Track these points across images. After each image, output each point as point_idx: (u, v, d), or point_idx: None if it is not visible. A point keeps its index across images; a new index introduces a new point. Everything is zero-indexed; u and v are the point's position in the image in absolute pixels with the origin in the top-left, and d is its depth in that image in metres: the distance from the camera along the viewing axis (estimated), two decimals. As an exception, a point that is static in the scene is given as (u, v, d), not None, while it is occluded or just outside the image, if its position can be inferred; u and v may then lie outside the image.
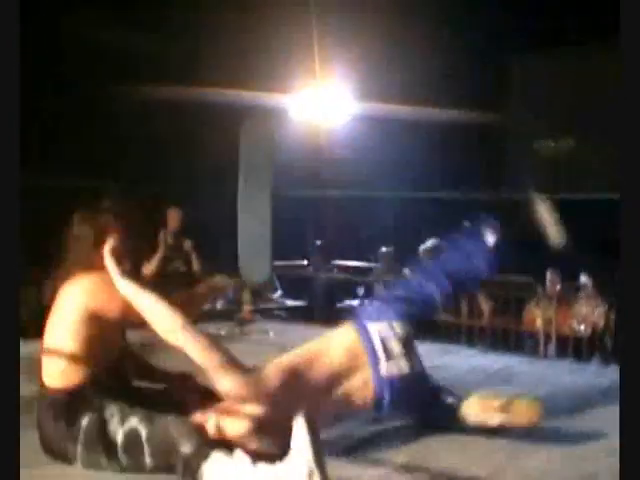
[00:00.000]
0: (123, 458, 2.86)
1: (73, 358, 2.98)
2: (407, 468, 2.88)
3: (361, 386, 3.04)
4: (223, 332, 5.70)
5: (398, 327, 3.14)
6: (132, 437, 2.85)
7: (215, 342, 2.96)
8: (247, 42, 8.38)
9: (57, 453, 2.97)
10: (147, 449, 2.82)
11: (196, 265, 7.01)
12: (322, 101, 9.31)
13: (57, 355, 3.00)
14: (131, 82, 7.76)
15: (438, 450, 3.08)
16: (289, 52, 8.52)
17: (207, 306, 7.83)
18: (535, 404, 3.14)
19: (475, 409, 3.14)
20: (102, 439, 2.88)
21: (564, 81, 10.28)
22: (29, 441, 2.93)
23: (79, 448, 2.90)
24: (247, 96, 8.19)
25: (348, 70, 9.19)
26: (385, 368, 3.03)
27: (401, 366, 3.06)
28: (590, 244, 9.33)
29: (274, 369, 2.99)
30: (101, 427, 2.89)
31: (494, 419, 3.10)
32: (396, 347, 3.08)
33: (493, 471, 2.88)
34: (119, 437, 2.86)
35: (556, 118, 10.32)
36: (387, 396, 3.02)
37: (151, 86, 7.60)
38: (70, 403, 2.95)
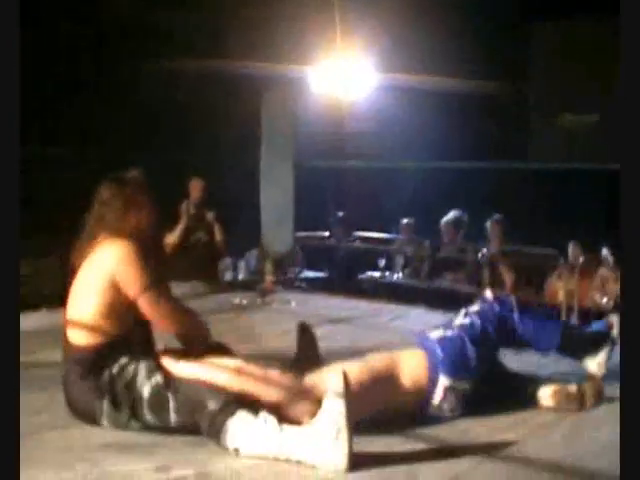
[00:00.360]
0: (148, 414, 2.90)
1: (99, 319, 3.01)
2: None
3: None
4: (245, 302, 5.71)
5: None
6: (158, 392, 2.89)
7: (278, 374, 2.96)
8: (268, 13, 8.36)
9: (83, 413, 3.01)
10: (172, 404, 2.86)
11: (219, 236, 7.05)
12: (343, 72, 9.28)
13: (83, 315, 3.03)
14: (155, 56, 7.78)
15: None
16: (310, 23, 8.49)
17: (229, 277, 7.92)
18: (600, 385, 3.28)
19: (553, 398, 3.23)
20: (128, 394, 2.92)
21: (587, 51, 10.20)
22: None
23: (105, 404, 2.94)
24: (268, 68, 8.18)
25: (369, 41, 9.14)
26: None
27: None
28: (612, 216, 9.32)
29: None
30: (128, 382, 2.93)
31: (571, 406, 3.21)
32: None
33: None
34: (145, 391, 2.90)
35: (578, 89, 10.25)
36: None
37: (174, 59, 7.61)
38: (97, 359, 2.99)
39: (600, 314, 7.23)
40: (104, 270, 3.01)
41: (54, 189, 7.66)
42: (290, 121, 8.35)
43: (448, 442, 2.90)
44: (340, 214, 9.39)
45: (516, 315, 3.32)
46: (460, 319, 3.29)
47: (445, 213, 8.38)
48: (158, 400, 2.88)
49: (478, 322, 3.25)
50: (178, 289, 6.49)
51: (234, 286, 6.93)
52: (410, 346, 3.25)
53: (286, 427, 2.69)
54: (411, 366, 3.10)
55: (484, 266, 8.02)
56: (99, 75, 7.90)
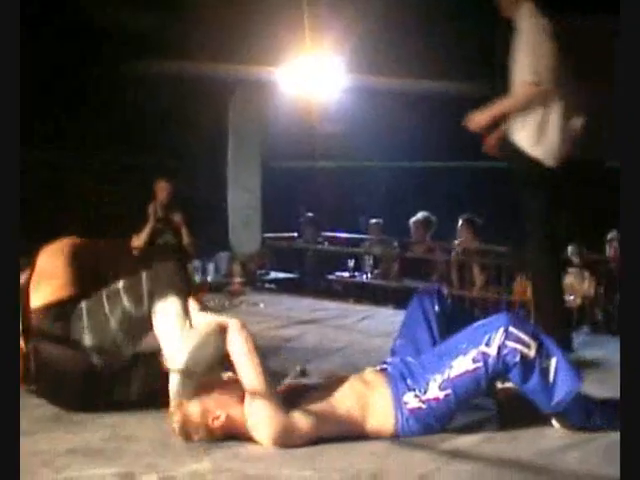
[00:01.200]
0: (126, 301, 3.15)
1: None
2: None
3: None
4: (213, 304, 5.70)
5: None
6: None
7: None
8: (236, 13, 8.32)
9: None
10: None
11: (186, 238, 7.02)
12: (313, 73, 9.26)
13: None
14: (120, 57, 7.73)
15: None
16: (279, 23, 8.47)
17: (197, 279, 7.90)
18: None
19: None
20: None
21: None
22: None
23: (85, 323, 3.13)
24: (236, 69, 8.15)
25: (339, 41, 9.14)
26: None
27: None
28: (578, 214, 9.38)
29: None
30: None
31: None
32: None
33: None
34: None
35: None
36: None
37: (140, 60, 7.56)
38: (66, 307, 3.17)
39: (567, 312, 7.31)
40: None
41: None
42: (258, 122, 8.35)
43: (415, 442, 2.91)
44: (309, 214, 9.40)
45: (517, 374, 2.89)
46: (435, 390, 2.90)
47: (414, 213, 8.42)
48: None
49: (457, 396, 2.90)
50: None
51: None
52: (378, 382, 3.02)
53: None
54: (377, 420, 2.93)
55: (454, 265, 8.07)
56: (64, 77, 7.85)
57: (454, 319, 3.32)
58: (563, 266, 7.59)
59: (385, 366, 3.14)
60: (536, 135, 4.03)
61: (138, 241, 6.89)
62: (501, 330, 2.87)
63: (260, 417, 2.78)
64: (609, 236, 7.65)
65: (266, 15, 8.33)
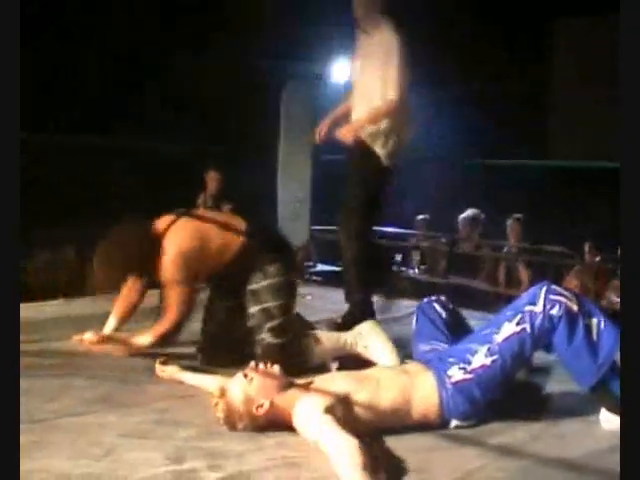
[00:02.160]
0: None
1: None
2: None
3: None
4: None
5: None
6: None
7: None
8: (288, 8, 8.35)
9: None
10: None
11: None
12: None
13: None
14: (180, 48, 7.79)
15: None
16: (329, 19, 8.48)
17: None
18: None
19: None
20: None
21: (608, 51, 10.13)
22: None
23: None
24: (288, 62, 8.18)
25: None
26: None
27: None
28: (595, 214, 9.28)
29: None
30: None
31: None
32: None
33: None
34: None
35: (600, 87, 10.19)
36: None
37: (196, 51, 7.62)
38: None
39: (615, 313, 7.23)
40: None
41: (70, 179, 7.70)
42: (309, 116, 8.35)
43: (462, 437, 2.90)
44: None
45: (562, 330, 2.91)
46: (481, 358, 2.93)
47: (462, 210, 8.38)
48: None
49: (504, 360, 2.91)
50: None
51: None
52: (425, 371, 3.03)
53: None
54: (423, 404, 2.93)
55: (502, 263, 8.02)
56: (119, 62, 7.93)
57: (464, 325, 3.40)
58: (614, 267, 7.55)
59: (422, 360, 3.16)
60: (383, 139, 4.59)
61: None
62: (544, 287, 2.94)
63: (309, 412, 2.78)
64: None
65: (316, 10, 8.35)
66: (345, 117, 4.80)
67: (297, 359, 3.58)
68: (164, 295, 3.78)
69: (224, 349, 3.79)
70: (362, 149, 4.61)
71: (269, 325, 3.71)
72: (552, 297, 2.90)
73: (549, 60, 10.85)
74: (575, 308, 2.90)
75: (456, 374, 2.93)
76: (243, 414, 2.84)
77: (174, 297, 3.72)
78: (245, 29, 7.55)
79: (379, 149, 4.62)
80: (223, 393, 2.87)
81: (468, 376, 2.92)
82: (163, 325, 3.76)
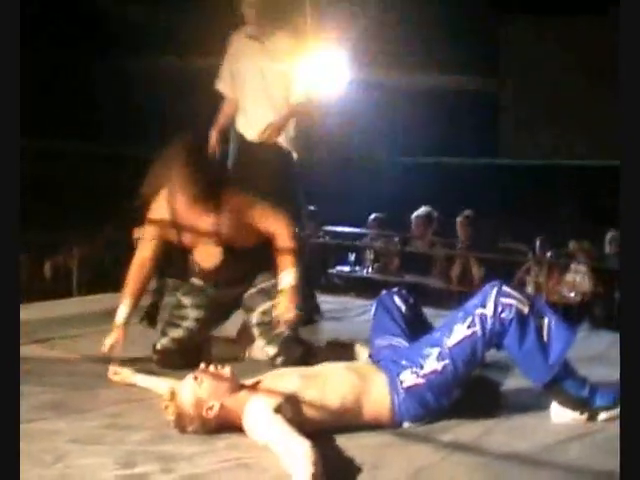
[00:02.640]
0: None
1: None
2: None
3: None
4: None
5: None
6: None
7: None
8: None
9: None
10: None
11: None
12: (317, 69, 9.26)
13: None
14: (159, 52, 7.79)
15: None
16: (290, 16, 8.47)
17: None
18: None
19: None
20: None
21: (556, 51, 10.25)
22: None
23: None
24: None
25: (341, 36, 9.13)
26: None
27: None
28: (580, 211, 9.40)
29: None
30: None
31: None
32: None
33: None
34: None
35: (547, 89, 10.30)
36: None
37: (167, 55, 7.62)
38: None
39: (568, 308, 7.33)
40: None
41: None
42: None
43: (415, 434, 2.91)
44: (311, 208, 9.39)
45: (513, 333, 2.91)
46: (433, 362, 2.91)
47: (415, 208, 8.42)
48: None
49: (456, 364, 2.90)
50: (151, 284, 6.55)
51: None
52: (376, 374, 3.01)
53: None
54: (375, 406, 2.92)
55: (455, 261, 8.08)
56: (108, 67, 7.90)
57: (423, 320, 3.40)
58: (567, 262, 7.64)
59: (375, 359, 3.15)
60: (295, 139, 4.86)
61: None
62: (495, 289, 2.93)
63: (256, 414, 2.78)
64: (610, 235, 7.64)
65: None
66: (230, 124, 5.00)
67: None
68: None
69: (189, 353, 3.76)
70: (277, 151, 4.78)
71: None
72: (503, 300, 2.90)
73: (502, 56, 10.95)
74: (526, 310, 2.91)
75: (408, 378, 2.92)
76: (194, 416, 2.82)
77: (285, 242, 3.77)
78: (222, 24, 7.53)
79: (292, 148, 4.84)
80: (173, 396, 2.85)
81: (420, 381, 2.92)
82: (292, 289, 3.69)
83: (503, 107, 11.00)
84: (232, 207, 3.67)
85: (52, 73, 7.78)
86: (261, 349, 3.79)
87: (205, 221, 3.66)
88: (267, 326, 3.74)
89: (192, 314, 3.84)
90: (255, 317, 3.79)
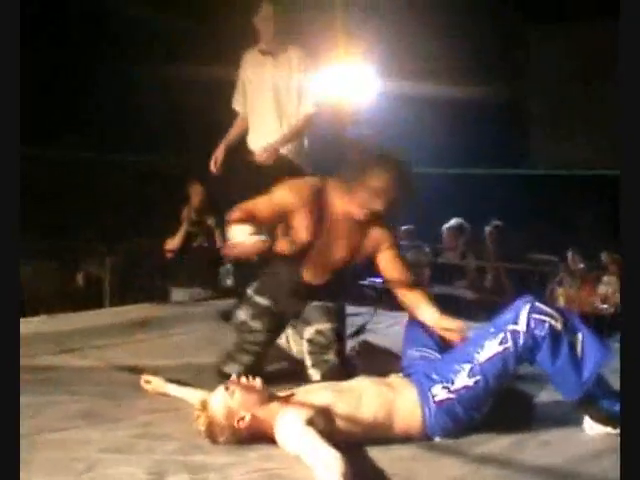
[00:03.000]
0: None
1: None
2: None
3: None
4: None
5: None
6: None
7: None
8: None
9: None
10: None
11: (219, 241, 7.01)
12: (345, 79, 9.28)
13: None
14: (154, 60, 7.77)
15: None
16: (311, 29, 8.49)
17: (230, 283, 7.91)
18: None
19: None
20: None
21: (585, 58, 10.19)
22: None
23: None
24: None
25: (370, 47, 9.15)
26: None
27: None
28: (611, 222, 9.32)
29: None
30: None
31: None
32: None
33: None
34: None
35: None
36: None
37: (176, 64, 7.61)
38: None
39: (600, 319, 7.26)
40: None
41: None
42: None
43: (446, 446, 2.90)
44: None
45: (546, 349, 2.89)
46: (464, 378, 2.91)
47: (446, 220, 8.39)
48: None
49: (487, 380, 2.90)
50: (179, 295, 6.59)
51: (234, 292, 6.93)
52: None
53: None
54: (405, 420, 2.92)
55: (486, 272, 8.04)
56: (97, 77, 7.92)
57: None
58: (598, 274, 7.58)
59: (407, 372, 3.15)
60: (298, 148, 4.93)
61: (172, 244, 6.93)
62: (527, 306, 2.91)
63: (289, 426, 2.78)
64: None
65: (298, 21, 8.36)
66: (239, 141, 5.07)
67: None
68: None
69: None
70: (287, 165, 4.80)
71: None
72: (535, 316, 2.88)
73: (530, 65, 10.89)
74: (559, 327, 2.89)
75: (439, 393, 2.92)
76: (225, 427, 2.83)
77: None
78: (221, 39, 7.54)
79: (305, 163, 4.89)
80: (205, 406, 2.86)
81: (451, 395, 2.91)
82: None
83: (533, 116, 10.94)
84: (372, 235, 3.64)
85: (54, 76, 7.80)
86: (307, 367, 3.71)
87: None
88: (317, 346, 3.67)
89: (262, 338, 3.71)
90: (309, 332, 3.70)
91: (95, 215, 7.80)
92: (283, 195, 3.53)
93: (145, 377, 3.52)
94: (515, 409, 3.18)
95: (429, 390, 2.93)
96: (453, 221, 8.33)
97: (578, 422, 3.06)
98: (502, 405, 3.05)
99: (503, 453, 2.85)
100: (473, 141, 9.77)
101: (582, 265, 7.66)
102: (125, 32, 7.80)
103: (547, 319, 2.88)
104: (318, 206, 3.53)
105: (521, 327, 2.88)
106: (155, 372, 3.61)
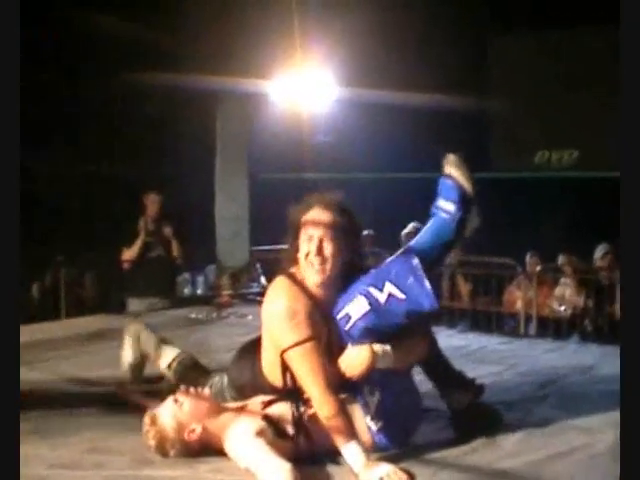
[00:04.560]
0: None
1: None
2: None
3: None
4: (201, 316, 5.67)
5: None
6: None
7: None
8: (226, 26, 8.32)
9: None
10: None
11: (176, 251, 6.95)
12: (303, 85, 9.27)
13: None
14: (107, 68, 7.71)
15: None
16: (269, 36, 8.47)
17: (188, 292, 7.86)
18: None
19: None
20: None
21: (546, 65, 10.29)
22: None
23: None
24: (225, 81, 8.13)
25: (329, 54, 9.15)
26: None
27: None
28: (569, 224, 9.39)
29: None
30: None
31: None
32: None
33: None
34: None
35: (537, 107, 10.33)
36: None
37: (127, 71, 7.54)
38: None
39: (558, 321, 7.31)
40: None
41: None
42: (245, 133, 8.33)
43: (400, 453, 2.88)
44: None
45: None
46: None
47: (404, 225, 8.39)
48: None
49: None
50: (136, 305, 6.53)
51: (192, 301, 6.89)
52: None
53: None
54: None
55: (444, 276, 8.05)
56: (48, 87, 7.84)
57: None
58: (556, 276, 7.63)
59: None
60: None
61: (129, 254, 6.85)
62: None
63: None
64: (600, 248, 7.59)
65: (256, 28, 8.34)
66: None
67: None
68: None
69: None
70: None
71: None
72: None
73: (492, 71, 10.98)
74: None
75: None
76: (175, 440, 2.78)
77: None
78: (180, 44, 7.49)
79: None
80: (154, 420, 2.81)
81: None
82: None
83: (493, 122, 11.02)
84: None
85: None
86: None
87: None
88: None
89: None
90: None
91: (50, 226, 7.70)
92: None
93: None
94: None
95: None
96: (410, 226, 8.33)
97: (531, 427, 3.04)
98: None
99: (460, 457, 2.84)
100: (433, 148, 9.80)
101: (539, 267, 7.70)
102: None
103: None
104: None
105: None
106: (105, 384, 3.55)
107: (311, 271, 2.93)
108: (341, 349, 2.91)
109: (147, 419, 2.83)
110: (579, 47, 9.97)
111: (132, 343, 3.80)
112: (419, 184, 9.53)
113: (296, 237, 3.01)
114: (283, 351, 2.85)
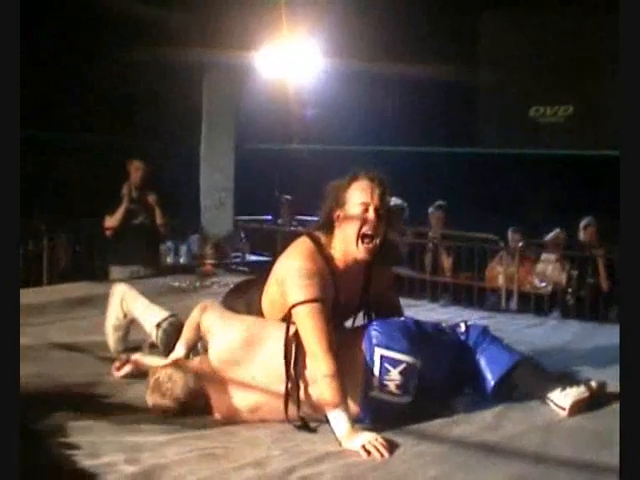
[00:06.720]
0: None
1: None
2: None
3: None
4: (184, 285, 5.68)
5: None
6: None
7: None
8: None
9: None
10: None
11: (160, 219, 6.93)
12: (290, 56, 9.24)
13: None
14: (96, 42, 7.67)
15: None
16: (255, 6, 8.42)
17: (171, 260, 7.86)
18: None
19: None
20: None
21: (536, 41, 10.28)
22: None
23: None
24: (212, 52, 8.10)
25: (316, 25, 9.11)
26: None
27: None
28: (553, 202, 9.44)
29: None
30: None
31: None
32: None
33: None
34: None
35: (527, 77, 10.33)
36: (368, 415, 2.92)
37: (114, 44, 7.51)
38: None
39: (539, 297, 7.37)
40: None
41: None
42: (231, 104, 8.31)
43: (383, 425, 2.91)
44: (287, 197, 9.37)
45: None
46: None
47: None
48: None
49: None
50: (118, 273, 6.53)
51: (175, 270, 6.88)
52: None
53: None
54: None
55: (427, 250, 8.09)
56: (42, 59, 7.80)
57: None
58: (538, 252, 7.68)
59: None
60: None
61: (112, 222, 6.83)
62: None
63: None
64: (584, 222, 7.64)
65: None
66: None
67: None
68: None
69: None
70: None
71: None
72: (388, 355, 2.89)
73: (481, 45, 10.96)
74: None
75: None
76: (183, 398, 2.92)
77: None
78: (165, 15, 7.45)
79: None
80: (171, 377, 2.94)
81: None
82: None
83: (479, 96, 11.01)
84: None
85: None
86: None
87: None
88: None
89: None
90: None
91: (33, 193, 7.68)
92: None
93: (116, 366, 3.44)
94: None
95: None
96: (392, 200, 8.34)
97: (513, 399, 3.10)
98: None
99: (441, 429, 2.88)
100: (420, 120, 9.80)
101: (521, 243, 7.75)
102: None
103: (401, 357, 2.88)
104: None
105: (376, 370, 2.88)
106: (92, 349, 3.56)
107: (360, 248, 2.99)
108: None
109: (164, 376, 2.93)
110: (572, 21, 9.98)
111: (117, 303, 3.80)
112: (406, 156, 9.59)
113: (334, 208, 3.05)
114: (292, 306, 2.90)
